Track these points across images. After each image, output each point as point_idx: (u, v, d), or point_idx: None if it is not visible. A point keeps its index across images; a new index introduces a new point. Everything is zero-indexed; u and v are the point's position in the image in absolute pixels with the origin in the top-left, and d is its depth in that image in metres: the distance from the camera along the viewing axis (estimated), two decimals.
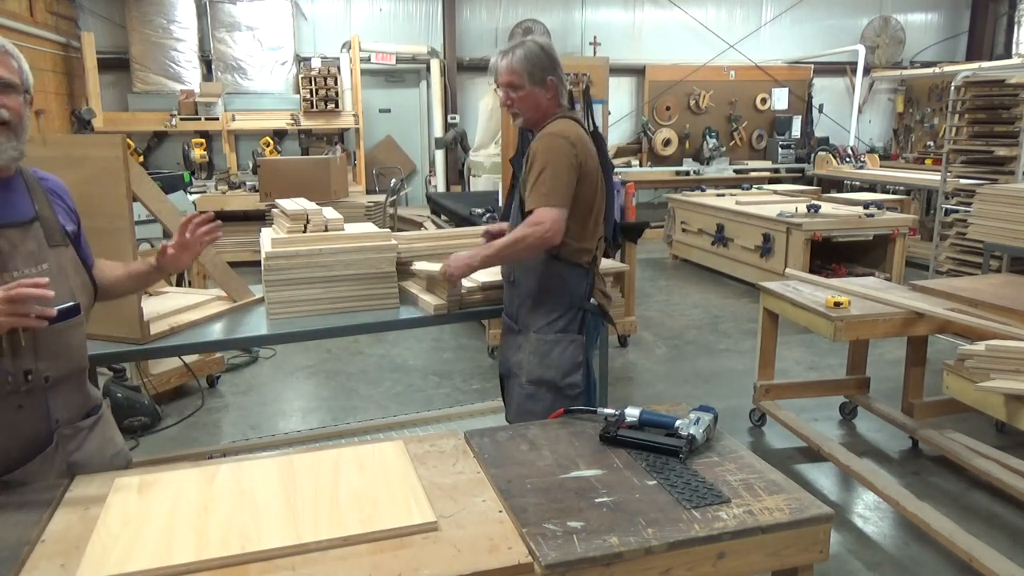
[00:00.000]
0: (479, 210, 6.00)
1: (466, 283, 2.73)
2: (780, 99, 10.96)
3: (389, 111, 10.28)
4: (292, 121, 9.26)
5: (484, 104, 7.74)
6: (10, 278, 1.55)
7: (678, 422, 1.79)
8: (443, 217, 7.36)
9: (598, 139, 6.64)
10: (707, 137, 10.64)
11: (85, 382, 1.82)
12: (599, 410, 1.91)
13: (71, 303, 1.65)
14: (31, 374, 1.62)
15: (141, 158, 8.95)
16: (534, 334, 2.43)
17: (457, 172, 9.69)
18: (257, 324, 2.66)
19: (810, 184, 9.69)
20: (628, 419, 1.84)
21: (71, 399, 1.74)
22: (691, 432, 1.75)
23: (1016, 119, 6.07)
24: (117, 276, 1.91)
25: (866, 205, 6.75)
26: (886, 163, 10.56)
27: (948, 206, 6.51)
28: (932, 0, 11.52)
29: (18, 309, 1.42)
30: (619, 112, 10.60)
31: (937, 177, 6.97)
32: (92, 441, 1.79)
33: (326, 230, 2.76)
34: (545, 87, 2.36)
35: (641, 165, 10.52)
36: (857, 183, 9.39)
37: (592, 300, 2.46)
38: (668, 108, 10.65)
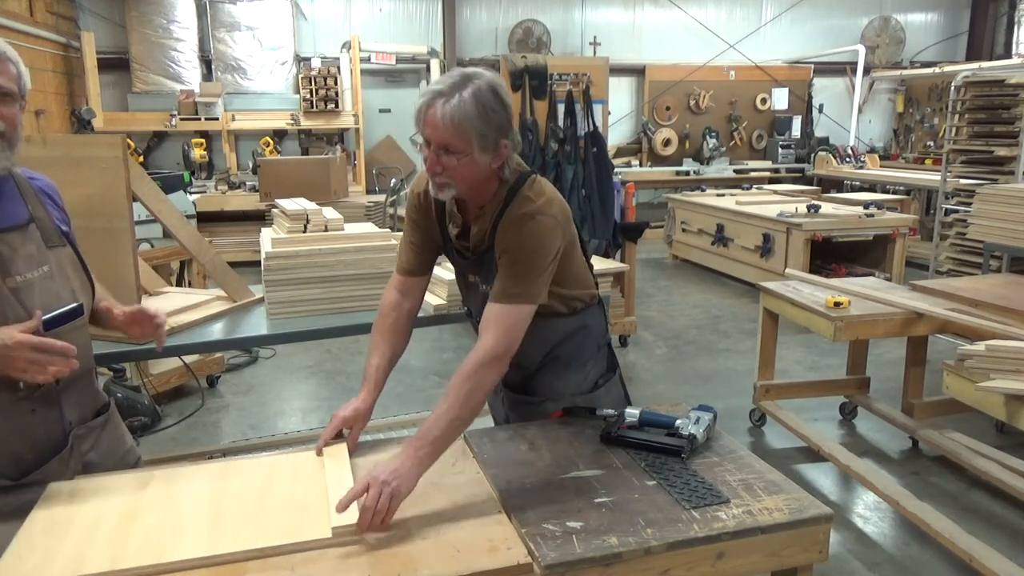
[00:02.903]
0: None
1: None
2: (780, 99, 10.96)
3: (389, 111, 10.27)
4: (292, 121, 9.26)
5: None
6: (12, 283, 1.55)
7: (678, 421, 1.79)
8: None
9: (597, 139, 6.64)
10: (707, 137, 10.64)
11: (93, 381, 1.81)
12: (599, 410, 1.91)
13: (74, 304, 1.64)
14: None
15: (141, 158, 8.96)
16: (572, 396, 1.98)
17: None
18: (257, 324, 2.66)
19: (810, 184, 9.70)
20: (628, 419, 1.83)
21: (82, 399, 1.74)
22: (692, 431, 1.75)
23: (1016, 119, 6.07)
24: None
25: (866, 205, 6.75)
26: (886, 163, 10.56)
27: (948, 206, 6.51)
28: (932, 0, 11.52)
29: (41, 359, 1.42)
30: (619, 112, 10.60)
31: (937, 177, 6.96)
32: (105, 440, 1.79)
33: (326, 230, 2.76)
34: (496, 154, 1.66)
35: (641, 165, 10.52)
36: (857, 183, 9.39)
37: (610, 324, 2.11)
38: (668, 108, 10.65)
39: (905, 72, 11.15)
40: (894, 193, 8.79)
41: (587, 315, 1.99)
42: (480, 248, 1.81)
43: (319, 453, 1.74)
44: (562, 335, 1.93)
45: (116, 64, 9.06)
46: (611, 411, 1.88)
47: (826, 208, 6.77)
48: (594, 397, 2.00)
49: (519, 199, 1.72)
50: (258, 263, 2.73)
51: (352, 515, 1.42)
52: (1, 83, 1.53)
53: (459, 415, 1.60)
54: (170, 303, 2.79)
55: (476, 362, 1.63)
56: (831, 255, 6.60)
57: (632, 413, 1.84)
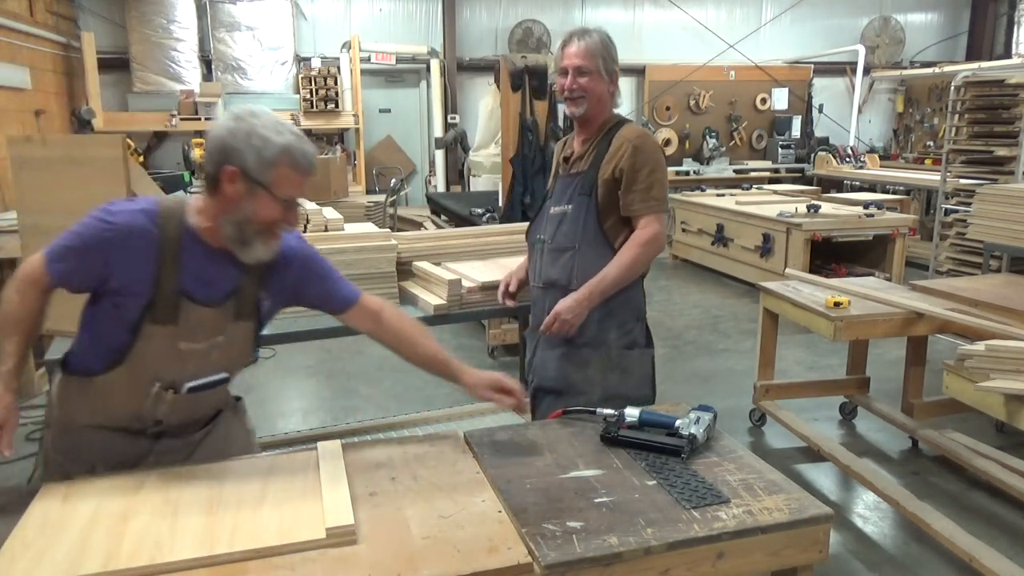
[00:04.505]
0: (479, 210, 6.01)
1: (465, 283, 2.73)
2: (780, 99, 10.96)
3: (389, 111, 10.28)
4: (292, 121, 9.24)
5: (484, 104, 7.74)
6: (185, 346, 1.65)
7: (678, 422, 1.79)
8: (443, 217, 7.36)
9: None
10: (707, 137, 10.64)
11: (207, 417, 1.86)
12: (598, 411, 1.91)
13: (222, 375, 1.75)
14: (160, 424, 1.72)
15: (141, 158, 8.94)
16: (612, 349, 2.25)
17: (457, 172, 9.69)
18: None
19: (810, 184, 9.69)
20: (628, 419, 1.83)
21: (188, 427, 1.81)
22: (692, 432, 1.75)
23: (1016, 119, 6.07)
24: (394, 337, 1.90)
25: (866, 205, 6.75)
26: (886, 163, 10.55)
27: (948, 206, 6.50)
28: (932, 0, 11.52)
29: None
30: (619, 112, 10.59)
31: (937, 177, 6.96)
32: (205, 449, 1.83)
33: (326, 230, 2.77)
34: (611, 79, 2.27)
35: None
36: (857, 183, 9.39)
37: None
38: (668, 108, 10.65)
39: (905, 72, 11.15)
40: (894, 193, 8.78)
41: (635, 281, 2.27)
42: (576, 168, 2.29)
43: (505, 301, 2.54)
44: None
45: (116, 64, 9.06)
46: (611, 411, 1.88)
47: (826, 208, 6.76)
48: (628, 356, 2.26)
49: (628, 126, 2.28)
50: None
51: (346, 515, 1.43)
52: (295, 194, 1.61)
53: (622, 275, 2.16)
54: None
55: (642, 240, 2.17)
56: (831, 255, 6.60)
57: (632, 413, 1.84)
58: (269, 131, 1.53)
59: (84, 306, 1.68)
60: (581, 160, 2.28)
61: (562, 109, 6.13)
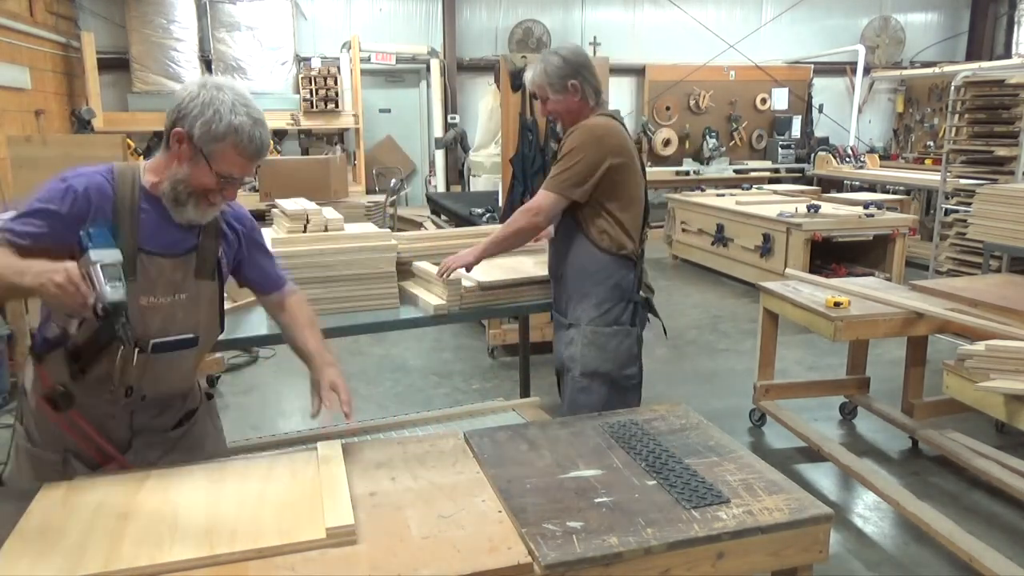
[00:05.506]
0: (479, 210, 6.00)
1: (465, 283, 2.73)
2: (780, 99, 10.95)
3: (389, 111, 10.28)
4: (292, 121, 9.25)
5: (484, 104, 7.73)
6: (146, 301, 1.63)
7: (92, 256, 1.43)
8: (443, 217, 7.36)
9: None
10: (707, 137, 10.64)
11: (184, 402, 1.88)
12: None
13: (189, 335, 1.73)
14: (132, 391, 1.71)
15: (141, 158, 8.95)
16: (587, 327, 2.45)
17: (457, 172, 9.69)
18: (257, 324, 2.66)
19: (810, 184, 9.69)
20: (95, 258, 1.44)
21: (163, 415, 1.81)
22: (108, 302, 1.39)
23: (1016, 119, 6.07)
24: (288, 322, 2.00)
25: (866, 205, 6.75)
26: (886, 163, 10.55)
27: (948, 206, 6.51)
28: (932, 0, 11.52)
29: (68, 290, 1.38)
30: (619, 109, 10.59)
31: (937, 177, 6.96)
32: (181, 448, 1.84)
33: (326, 230, 2.77)
34: (567, 92, 2.47)
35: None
36: (857, 183, 9.39)
37: (640, 293, 2.53)
38: (668, 108, 10.65)
39: (905, 72, 11.14)
40: (894, 193, 8.78)
41: (615, 261, 2.43)
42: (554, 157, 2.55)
43: None
44: (588, 264, 2.44)
45: (116, 64, 9.06)
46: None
47: (826, 208, 6.77)
48: (602, 334, 2.43)
49: (589, 119, 2.46)
50: None
51: (346, 516, 1.43)
52: (246, 177, 1.67)
53: (503, 235, 2.52)
54: None
55: (523, 207, 2.47)
56: (831, 255, 6.60)
57: (99, 255, 1.45)
58: (225, 107, 1.56)
59: None
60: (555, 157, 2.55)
61: None
